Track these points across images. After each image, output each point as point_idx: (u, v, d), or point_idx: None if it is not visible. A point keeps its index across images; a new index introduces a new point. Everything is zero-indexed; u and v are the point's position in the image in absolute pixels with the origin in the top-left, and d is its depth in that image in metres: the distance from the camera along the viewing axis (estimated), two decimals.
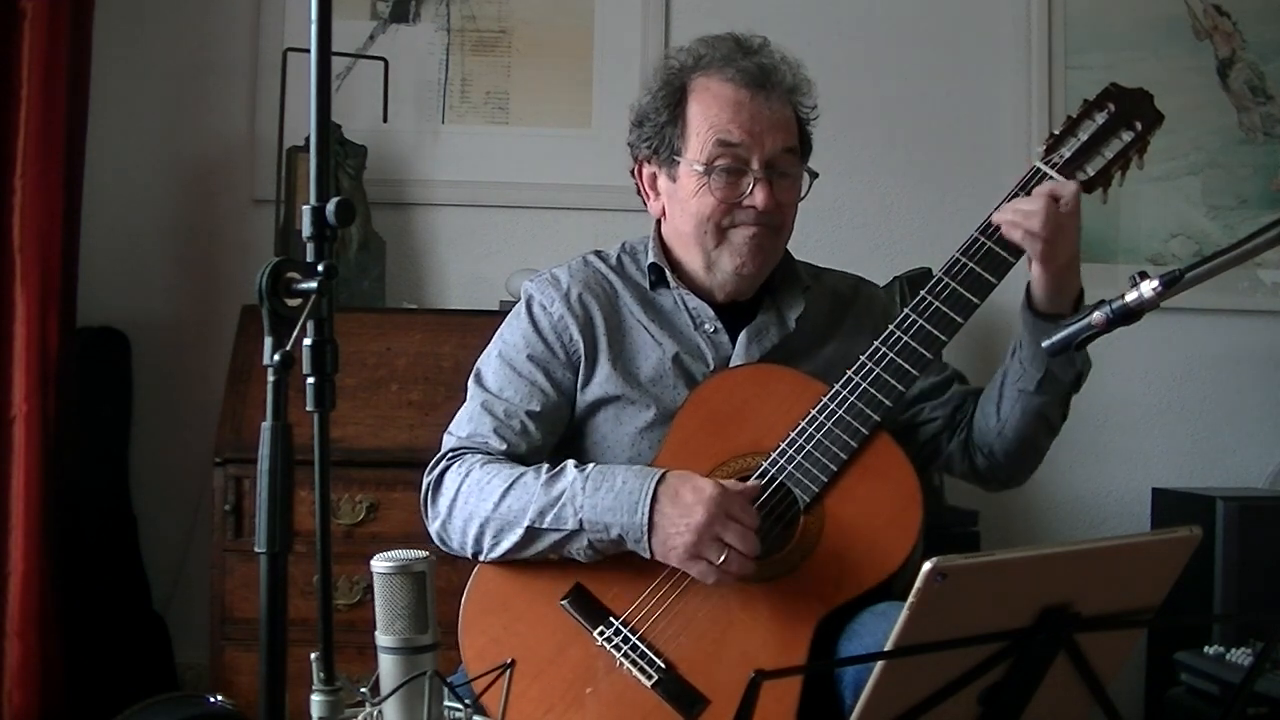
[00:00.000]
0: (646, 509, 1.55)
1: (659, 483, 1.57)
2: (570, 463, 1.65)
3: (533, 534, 1.61)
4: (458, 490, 1.68)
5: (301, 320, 1.07)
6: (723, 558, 1.53)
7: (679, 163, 1.77)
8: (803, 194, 1.80)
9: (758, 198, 1.72)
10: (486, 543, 1.65)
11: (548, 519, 1.60)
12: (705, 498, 1.54)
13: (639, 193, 1.87)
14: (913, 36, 3.21)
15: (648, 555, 1.57)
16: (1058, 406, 1.73)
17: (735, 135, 1.72)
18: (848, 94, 3.12)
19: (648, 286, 1.84)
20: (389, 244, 3.00)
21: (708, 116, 1.74)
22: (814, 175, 1.80)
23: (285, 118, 2.88)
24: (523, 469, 1.67)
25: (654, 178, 1.83)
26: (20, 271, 2.57)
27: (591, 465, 1.64)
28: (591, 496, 1.59)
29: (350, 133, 2.95)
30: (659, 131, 1.78)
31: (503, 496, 1.64)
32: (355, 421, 2.55)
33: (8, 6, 2.57)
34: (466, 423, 1.77)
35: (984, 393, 1.79)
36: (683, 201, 1.77)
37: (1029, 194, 1.64)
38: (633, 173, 1.87)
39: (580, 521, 1.59)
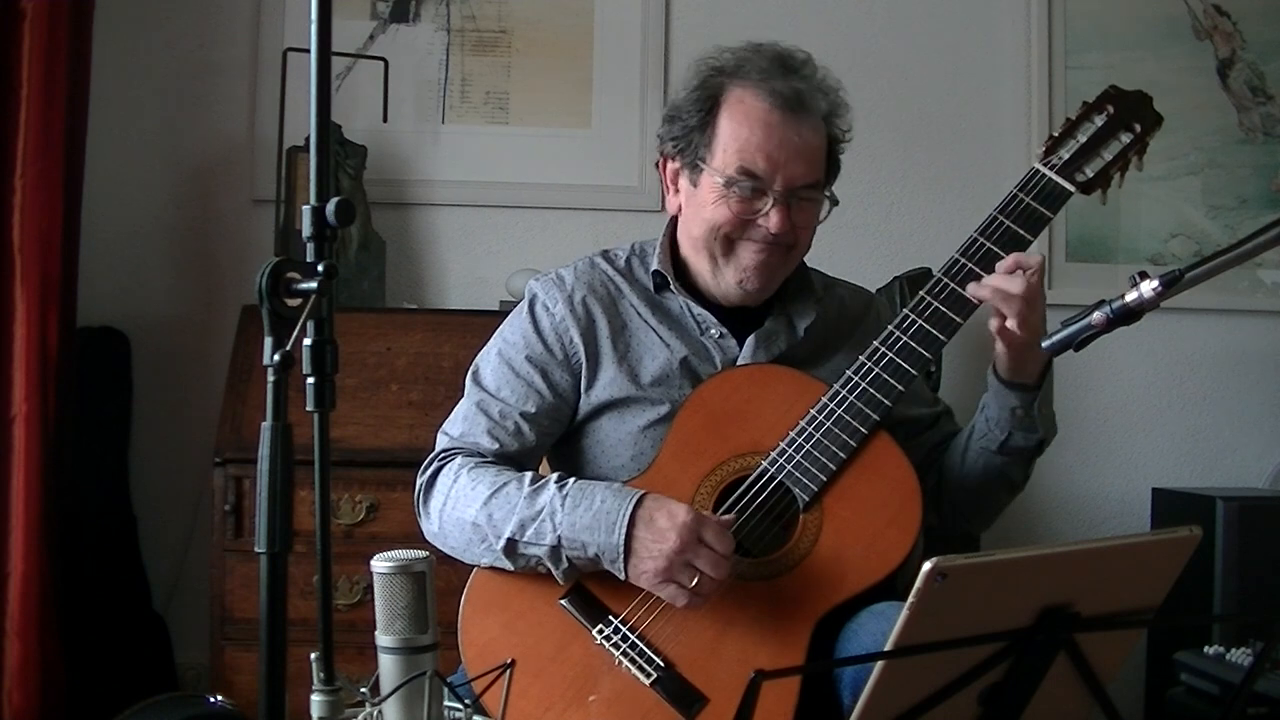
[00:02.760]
0: (624, 530, 1.55)
1: (636, 505, 1.57)
2: (553, 476, 1.65)
3: (514, 545, 1.61)
4: (447, 494, 1.69)
5: (301, 320, 1.07)
6: (694, 582, 1.53)
7: (702, 169, 1.75)
8: (821, 218, 1.79)
9: (772, 221, 1.71)
10: (476, 549, 1.65)
11: (529, 532, 1.60)
12: (679, 524, 1.54)
13: (663, 187, 1.87)
14: (913, 37, 3.21)
15: (622, 576, 1.57)
16: (1020, 468, 1.74)
17: (760, 165, 1.70)
18: (848, 94, 3.12)
19: (654, 290, 1.84)
20: (389, 244, 3.00)
21: (737, 136, 1.72)
22: (834, 202, 1.78)
23: (285, 118, 2.88)
24: (508, 476, 1.67)
25: (676, 175, 1.82)
26: (20, 271, 2.57)
27: (571, 481, 1.64)
28: (570, 514, 1.59)
29: (350, 133, 2.95)
30: (687, 133, 1.77)
31: (486, 504, 1.64)
32: (355, 421, 2.56)
33: (8, 6, 2.57)
34: (460, 421, 1.78)
35: (954, 440, 1.80)
36: (699, 206, 1.77)
37: (1004, 254, 1.62)
38: (657, 165, 1.86)
39: (559, 538, 1.59)
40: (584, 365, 1.78)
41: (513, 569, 1.64)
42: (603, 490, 1.61)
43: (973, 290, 1.62)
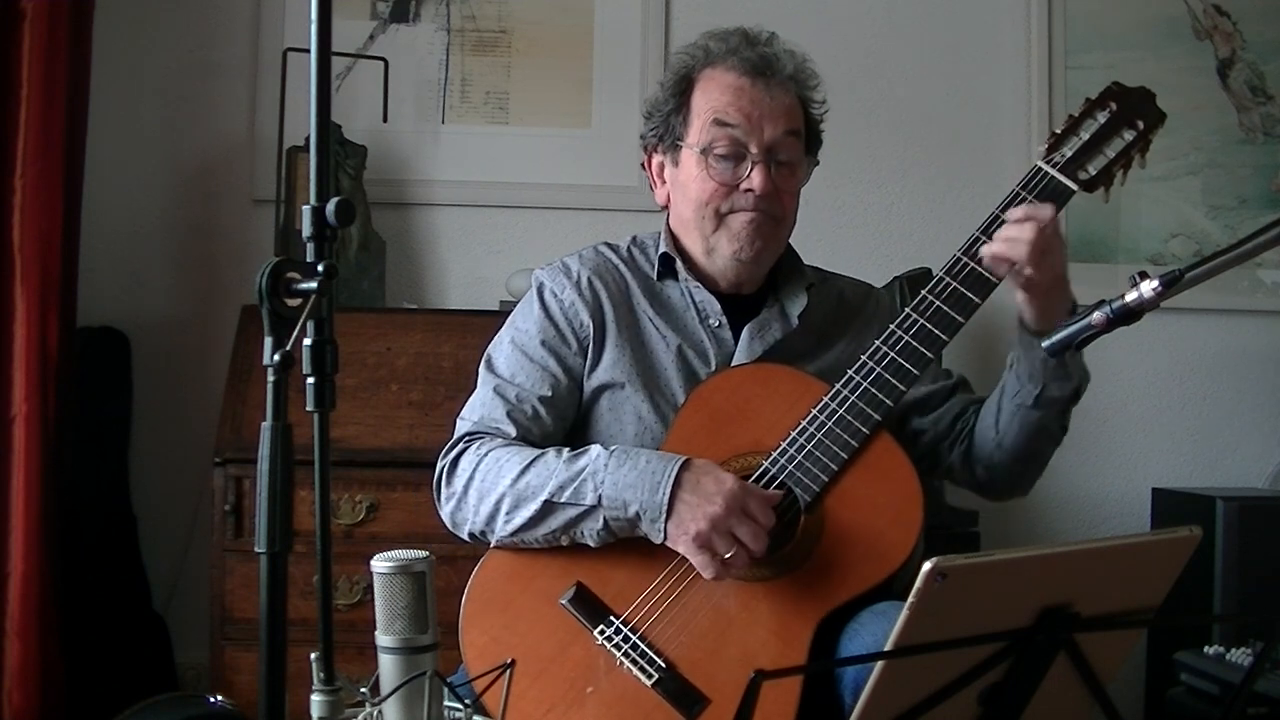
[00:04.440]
0: (669, 489, 1.56)
1: (682, 468, 1.57)
2: (595, 445, 1.66)
3: (549, 508, 1.61)
4: (474, 469, 1.68)
5: (301, 320, 1.07)
6: (730, 553, 1.53)
7: (681, 148, 1.79)
8: (803, 182, 1.81)
9: (755, 180, 1.73)
10: (500, 519, 1.65)
11: (567, 493, 1.60)
12: (726, 490, 1.54)
13: (651, 185, 1.89)
14: (913, 36, 3.21)
15: (660, 538, 1.57)
16: (1057, 419, 1.73)
17: (732, 117, 1.74)
18: (848, 94, 3.12)
19: (655, 278, 1.85)
20: (389, 244, 3.00)
21: (709, 101, 1.77)
22: (815, 163, 1.82)
23: (285, 118, 2.88)
24: (542, 450, 1.67)
25: (661, 167, 1.86)
26: (20, 271, 2.57)
27: (616, 445, 1.65)
28: (614, 473, 1.59)
29: (350, 133, 2.95)
30: (665, 120, 1.82)
31: (522, 473, 1.64)
32: (355, 421, 2.55)
33: (8, 6, 2.57)
34: (479, 407, 1.77)
35: (984, 404, 1.79)
36: (683, 185, 1.80)
37: (1018, 206, 1.64)
38: (643, 165, 1.89)
39: (599, 497, 1.59)
40: (591, 344, 1.79)
41: (532, 536, 1.63)
42: (648, 452, 1.62)
43: (985, 251, 1.61)
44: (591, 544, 1.62)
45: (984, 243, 1.65)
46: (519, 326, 1.83)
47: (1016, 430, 1.72)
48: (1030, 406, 1.69)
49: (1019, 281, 1.61)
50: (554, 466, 1.63)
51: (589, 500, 1.60)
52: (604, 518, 1.59)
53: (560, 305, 1.81)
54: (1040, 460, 1.78)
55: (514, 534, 1.65)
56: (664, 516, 1.56)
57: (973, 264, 1.65)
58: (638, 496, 1.57)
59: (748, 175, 1.74)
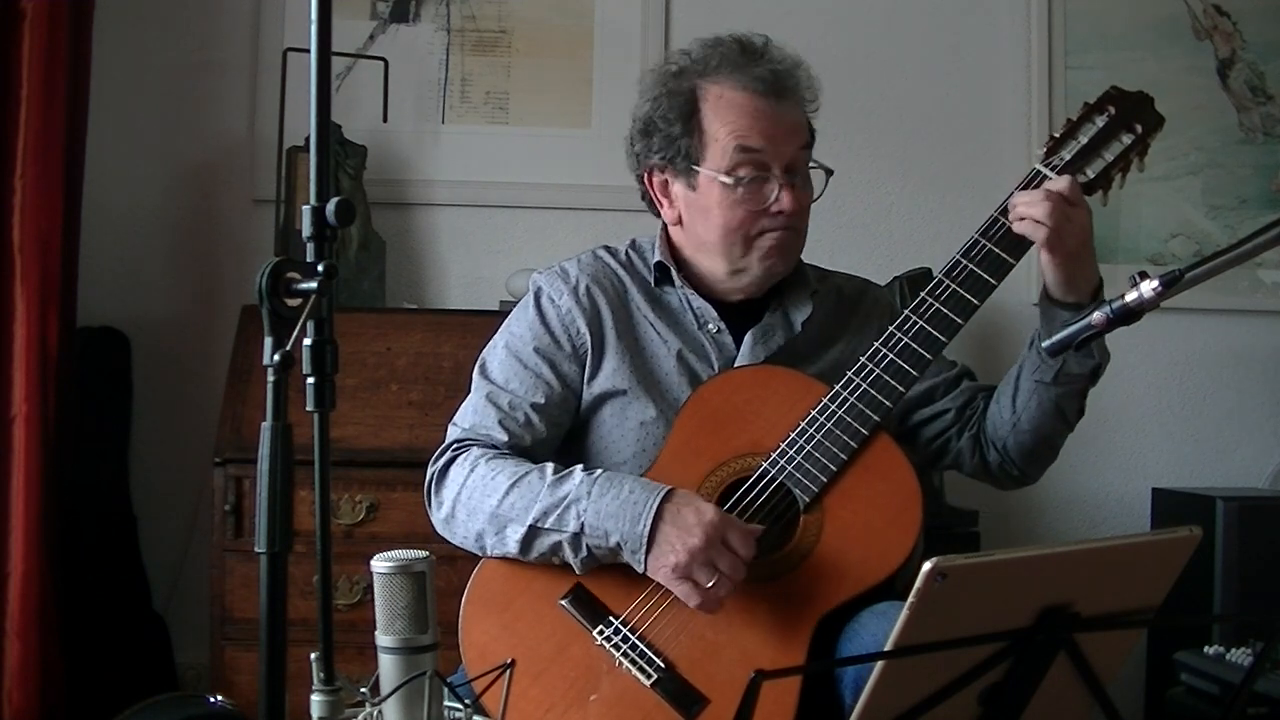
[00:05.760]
0: (650, 521, 1.56)
1: (664, 499, 1.57)
2: (579, 467, 1.66)
3: (534, 533, 1.61)
4: (463, 484, 1.68)
5: (301, 320, 1.07)
6: (711, 583, 1.53)
7: (698, 172, 1.75)
8: (818, 194, 1.80)
9: (784, 202, 1.73)
10: (490, 539, 1.65)
11: (550, 519, 1.60)
12: (705, 521, 1.54)
13: (644, 199, 1.86)
14: (913, 36, 3.21)
15: (641, 568, 1.57)
16: (1074, 400, 1.73)
17: (757, 141, 1.72)
18: (848, 94, 3.12)
19: (653, 283, 1.84)
20: (389, 244, 3.00)
21: (726, 124, 1.73)
22: (829, 172, 1.79)
23: (285, 118, 2.88)
24: (529, 466, 1.67)
25: (665, 185, 1.82)
26: (20, 271, 2.57)
27: (599, 470, 1.64)
28: (596, 501, 1.59)
29: (350, 133, 2.95)
30: (672, 142, 1.77)
31: (507, 493, 1.64)
32: (355, 421, 2.55)
33: (8, 6, 2.57)
34: (471, 414, 1.77)
35: (999, 387, 1.80)
36: (705, 210, 1.76)
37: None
38: (640, 179, 1.85)
39: (582, 525, 1.59)
40: (589, 354, 1.78)
41: (526, 559, 1.64)
42: (631, 481, 1.61)
43: (1011, 204, 1.63)
44: (577, 570, 1.62)
45: (984, 245, 1.65)
46: (513, 331, 1.82)
47: (1034, 409, 1.72)
48: (1049, 383, 1.70)
49: (1042, 239, 1.60)
50: (538, 489, 1.62)
51: (571, 528, 1.59)
52: (586, 545, 1.59)
53: (557, 312, 1.80)
54: (1052, 446, 1.79)
55: (505, 555, 1.65)
56: (644, 548, 1.56)
57: (972, 265, 1.65)
58: (619, 527, 1.57)
59: (775, 197, 1.73)
